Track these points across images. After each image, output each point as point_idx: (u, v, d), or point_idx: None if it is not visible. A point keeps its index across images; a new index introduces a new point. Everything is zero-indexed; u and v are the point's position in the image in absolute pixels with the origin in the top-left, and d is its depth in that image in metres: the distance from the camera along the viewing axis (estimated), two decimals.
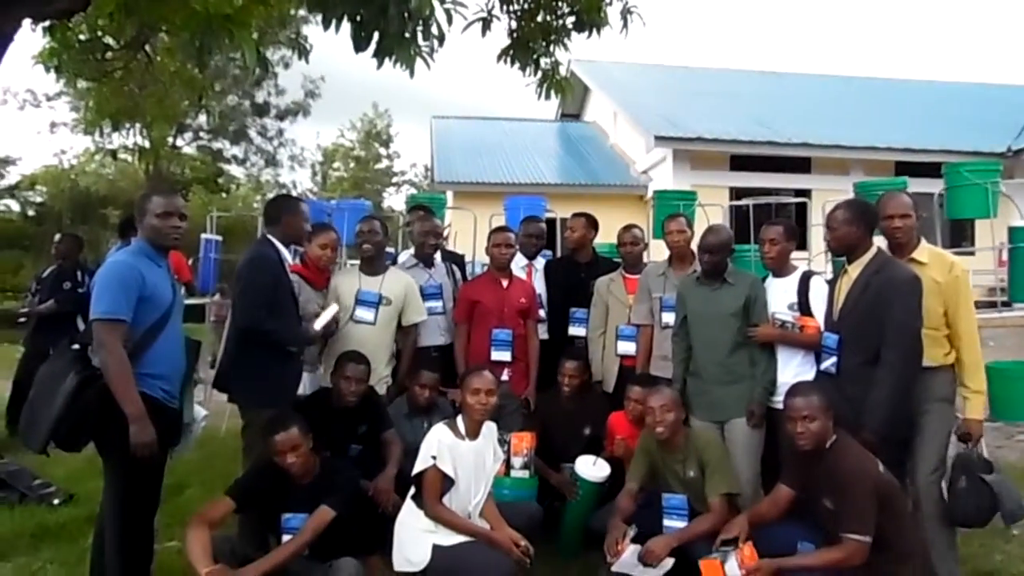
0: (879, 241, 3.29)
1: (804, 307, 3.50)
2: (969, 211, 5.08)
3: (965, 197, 4.92)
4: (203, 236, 7.14)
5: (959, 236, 11.76)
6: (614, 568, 3.15)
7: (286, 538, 2.98)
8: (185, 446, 3.16)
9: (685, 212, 4.86)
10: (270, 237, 3.54)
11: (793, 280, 3.62)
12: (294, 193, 26.37)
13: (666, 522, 3.27)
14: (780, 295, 3.62)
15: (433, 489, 3.11)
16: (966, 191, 4.90)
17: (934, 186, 5.36)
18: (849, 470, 2.75)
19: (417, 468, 3.14)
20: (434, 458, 3.09)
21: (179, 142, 23.56)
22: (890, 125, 14.37)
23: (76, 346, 2.80)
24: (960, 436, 3.19)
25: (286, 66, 21.37)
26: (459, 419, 3.28)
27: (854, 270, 3.21)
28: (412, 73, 3.69)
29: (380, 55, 3.49)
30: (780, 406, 3.22)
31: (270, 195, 26.59)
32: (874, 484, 2.72)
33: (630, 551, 3.12)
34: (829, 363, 3.25)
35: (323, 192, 31.30)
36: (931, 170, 6.07)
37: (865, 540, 2.67)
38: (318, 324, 3.60)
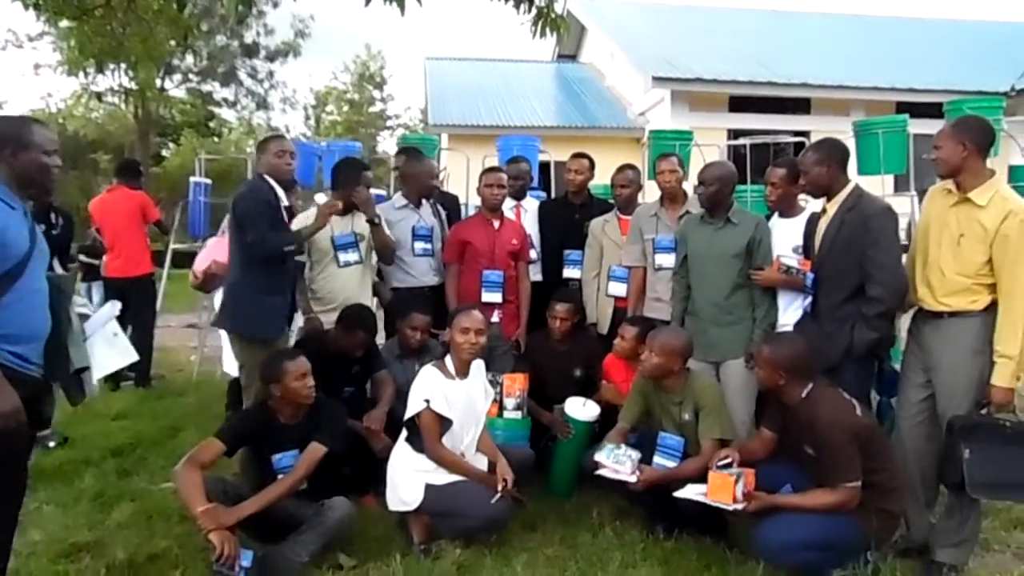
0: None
1: (810, 250, 3.40)
2: None
3: None
4: (192, 179, 7.05)
5: None
6: (597, 456, 3.18)
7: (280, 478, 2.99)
8: (91, 387, 2.78)
9: (680, 153, 4.76)
10: (262, 174, 3.68)
11: (800, 222, 3.53)
12: (288, 136, 25.98)
13: (657, 459, 3.27)
14: (786, 237, 3.57)
15: (432, 431, 3.10)
16: None
17: (936, 126, 5.25)
18: (827, 421, 2.75)
19: (410, 411, 3.13)
20: (427, 401, 3.08)
21: (167, 84, 22.99)
22: (892, 64, 14.05)
23: None
24: (978, 401, 2.80)
25: (275, 5, 20.91)
26: (447, 359, 3.26)
27: (831, 208, 3.19)
28: (403, 10, 3.57)
29: None
30: None
31: (263, 138, 26.19)
32: (852, 431, 2.73)
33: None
34: (807, 302, 3.28)
35: (316, 136, 30.83)
36: (933, 110, 5.94)
37: (857, 485, 2.70)
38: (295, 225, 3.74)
